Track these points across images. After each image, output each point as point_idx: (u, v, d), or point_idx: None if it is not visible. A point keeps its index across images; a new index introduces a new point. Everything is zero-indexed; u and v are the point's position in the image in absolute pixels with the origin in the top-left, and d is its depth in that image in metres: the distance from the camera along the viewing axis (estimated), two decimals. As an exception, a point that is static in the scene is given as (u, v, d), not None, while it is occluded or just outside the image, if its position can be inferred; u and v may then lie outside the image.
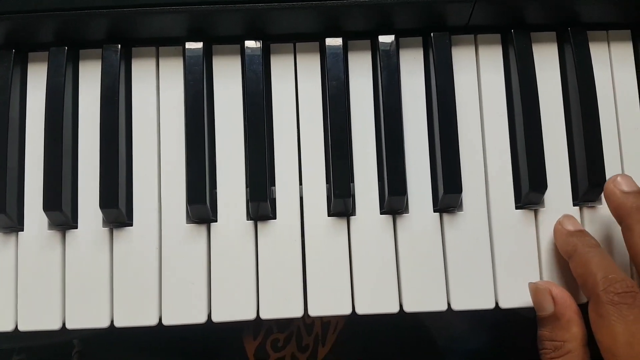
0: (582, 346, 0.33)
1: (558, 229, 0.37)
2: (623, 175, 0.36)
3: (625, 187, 0.35)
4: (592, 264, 0.34)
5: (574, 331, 0.34)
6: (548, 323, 0.35)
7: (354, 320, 0.49)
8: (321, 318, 0.50)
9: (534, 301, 0.36)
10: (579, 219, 0.38)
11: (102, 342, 0.51)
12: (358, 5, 0.37)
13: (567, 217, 0.37)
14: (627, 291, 0.32)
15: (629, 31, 0.41)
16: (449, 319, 0.50)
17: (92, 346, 0.52)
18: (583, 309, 0.35)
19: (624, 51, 0.41)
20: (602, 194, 0.38)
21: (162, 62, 0.40)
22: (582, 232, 0.36)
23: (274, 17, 0.38)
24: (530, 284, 0.37)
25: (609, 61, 0.40)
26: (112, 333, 0.46)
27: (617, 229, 0.36)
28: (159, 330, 0.38)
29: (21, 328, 0.37)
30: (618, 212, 0.35)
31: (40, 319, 0.37)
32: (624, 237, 0.35)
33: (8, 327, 0.37)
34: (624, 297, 0.32)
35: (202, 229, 0.38)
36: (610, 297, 0.32)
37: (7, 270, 0.38)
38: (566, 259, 0.36)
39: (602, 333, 0.32)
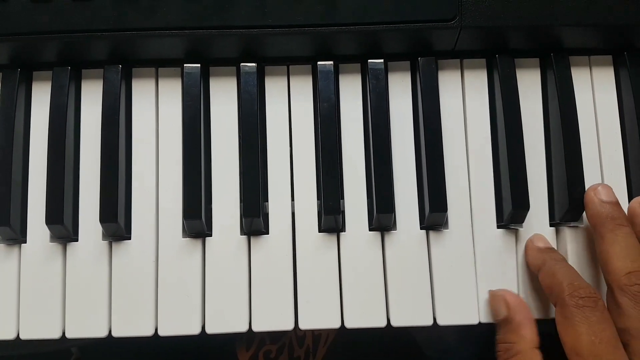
0: (531, 348, 0.35)
1: (529, 246, 0.39)
2: (604, 185, 0.38)
3: (603, 197, 0.37)
4: (559, 273, 0.36)
5: (523, 333, 0.36)
6: (502, 327, 0.37)
7: (344, 333, 0.51)
8: (312, 331, 0.52)
9: (490, 307, 0.39)
10: (554, 239, 0.40)
11: (99, 350, 0.53)
12: (348, 31, 0.39)
13: (538, 236, 0.39)
14: (590, 296, 0.34)
15: (610, 56, 0.42)
16: (437, 332, 0.52)
17: (90, 354, 0.53)
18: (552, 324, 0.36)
19: (605, 76, 0.42)
20: (584, 213, 0.39)
21: (161, 82, 0.41)
22: (550, 249, 0.39)
23: (268, 41, 0.40)
24: (489, 291, 0.39)
25: (590, 85, 0.42)
26: (109, 342, 0.47)
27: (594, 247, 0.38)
28: (155, 340, 0.40)
29: (22, 336, 0.39)
30: (593, 220, 0.37)
31: (41, 328, 0.39)
32: (595, 244, 0.37)
33: (10, 336, 0.39)
34: (587, 301, 0.34)
35: (198, 243, 0.39)
36: (575, 301, 0.34)
37: (10, 280, 0.39)
38: (535, 273, 0.38)
39: (567, 333, 0.34)
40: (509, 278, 0.39)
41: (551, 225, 0.40)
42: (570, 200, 0.39)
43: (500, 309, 0.37)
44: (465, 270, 0.39)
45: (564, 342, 0.34)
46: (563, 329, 0.34)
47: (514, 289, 0.39)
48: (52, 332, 0.39)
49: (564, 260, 0.38)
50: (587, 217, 0.38)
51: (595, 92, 0.42)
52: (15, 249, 0.40)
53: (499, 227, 0.40)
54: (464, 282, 0.39)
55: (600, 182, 0.40)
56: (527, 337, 0.36)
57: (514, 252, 0.39)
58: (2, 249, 0.39)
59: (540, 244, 0.39)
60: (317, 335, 0.51)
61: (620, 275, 0.34)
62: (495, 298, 0.38)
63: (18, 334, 0.39)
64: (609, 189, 0.38)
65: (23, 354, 0.52)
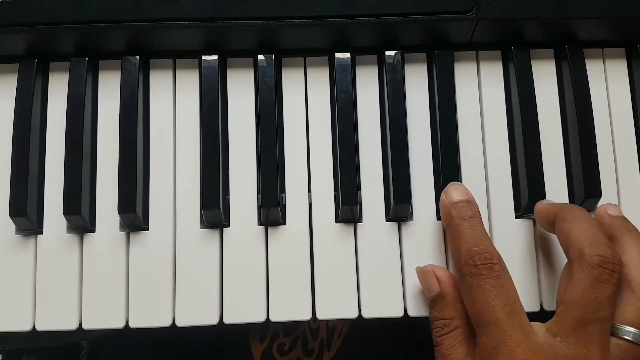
0: (469, 322, 0.35)
1: (441, 199, 0.38)
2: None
3: (456, 197, 0.37)
4: (461, 237, 0.35)
5: (460, 308, 0.35)
6: (437, 303, 0.36)
7: (358, 325, 0.51)
8: (327, 323, 0.52)
9: (421, 284, 0.38)
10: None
11: (111, 344, 0.52)
12: (366, 22, 0.39)
13: (454, 186, 0.38)
14: (485, 262, 0.33)
15: (623, 49, 0.43)
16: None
17: (101, 348, 0.53)
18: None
19: (618, 68, 0.43)
20: (597, 203, 0.39)
21: (179, 74, 0.41)
22: (460, 204, 0.37)
23: (285, 33, 0.40)
24: (416, 268, 0.38)
25: (604, 77, 0.42)
26: (121, 335, 0.47)
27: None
28: (168, 333, 0.40)
29: (39, 328, 0.39)
30: (553, 212, 0.36)
31: (57, 319, 0.39)
32: (556, 230, 0.36)
33: (26, 327, 0.39)
34: (481, 269, 0.33)
35: (215, 233, 0.39)
36: (470, 269, 0.33)
37: (26, 271, 0.39)
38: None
39: (466, 303, 0.34)
40: (529, 267, 0.39)
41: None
42: (585, 190, 0.39)
43: (432, 285, 0.36)
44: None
45: (468, 311, 0.34)
46: (464, 298, 0.34)
47: (534, 279, 0.39)
48: (68, 324, 0.39)
49: (474, 217, 0.36)
50: (541, 211, 0.37)
51: (609, 83, 0.42)
52: (31, 240, 0.39)
53: (517, 217, 0.40)
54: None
55: (614, 171, 0.41)
56: (464, 312, 0.35)
57: (532, 241, 0.39)
58: (18, 240, 0.39)
59: (455, 197, 0.37)
60: (331, 327, 0.51)
61: (583, 244, 0.33)
62: (424, 274, 0.37)
63: (34, 326, 0.39)
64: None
65: (35, 348, 0.52)
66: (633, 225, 0.37)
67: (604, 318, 0.32)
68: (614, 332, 0.33)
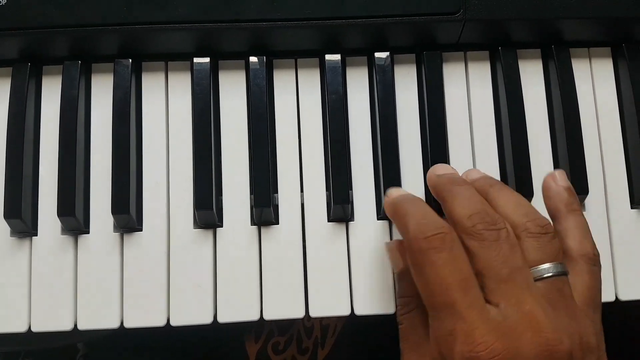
0: None
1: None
2: (440, 164, 0.38)
3: (440, 171, 0.37)
4: (408, 213, 0.33)
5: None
6: (400, 279, 0.36)
7: (352, 323, 0.51)
8: (320, 322, 0.52)
9: (389, 258, 0.37)
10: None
11: (106, 346, 0.53)
12: (355, 24, 0.39)
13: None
14: (435, 233, 0.31)
15: (609, 48, 0.43)
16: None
17: (96, 350, 0.53)
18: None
19: (604, 67, 0.43)
20: (584, 199, 0.40)
21: (171, 76, 0.42)
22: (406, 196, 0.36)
23: (276, 35, 0.40)
24: (385, 243, 0.38)
25: (590, 76, 0.43)
26: (116, 337, 0.48)
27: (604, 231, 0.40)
28: (163, 334, 0.40)
29: (34, 329, 0.39)
30: (435, 191, 0.36)
31: (52, 320, 0.39)
32: (443, 211, 0.35)
33: (22, 328, 0.39)
34: (432, 241, 0.31)
35: (209, 233, 0.40)
36: (419, 244, 0.31)
37: (21, 273, 0.39)
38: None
39: (418, 284, 0.32)
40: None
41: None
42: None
43: (396, 259, 0.36)
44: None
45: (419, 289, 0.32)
46: (414, 277, 0.32)
47: None
48: (64, 324, 0.39)
49: (418, 199, 0.35)
50: (431, 192, 0.37)
51: (595, 82, 0.43)
52: (26, 242, 0.40)
53: (505, 213, 0.40)
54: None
55: (601, 168, 0.41)
56: None
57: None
58: (13, 242, 0.40)
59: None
60: (325, 325, 0.52)
61: (463, 220, 0.32)
62: (390, 249, 0.37)
63: (30, 327, 0.39)
64: (445, 166, 0.38)
65: (31, 350, 0.52)
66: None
67: (519, 267, 0.32)
68: (534, 277, 0.32)
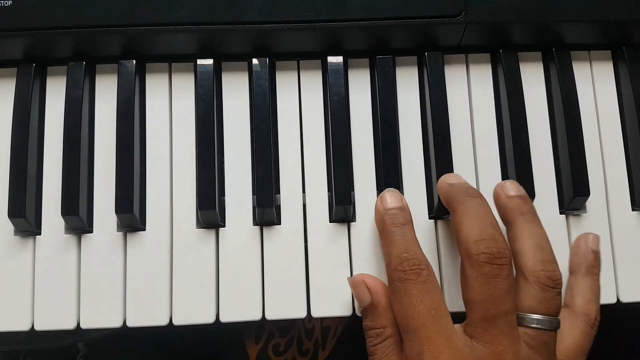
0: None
1: (376, 205, 0.38)
2: (452, 174, 0.39)
3: (451, 180, 0.37)
4: (392, 243, 0.35)
5: (391, 317, 0.35)
6: (369, 313, 0.36)
7: (353, 325, 0.51)
8: (321, 323, 0.52)
9: (354, 294, 0.38)
10: (564, 227, 0.41)
11: (107, 345, 0.53)
12: (358, 26, 0.40)
13: (390, 192, 0.38)
14: (413, 268, 0.34)
15: (609, 51, 0.44)
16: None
17: (97, 350, 0.53)
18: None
19: (604, 70, 0.44)
20: (585, 202, 0.40)
21: (175, 77, 0.42)
22: (393, 211, 0.37)
23: (279, 37, 0.41)
24: (348, 278, 0.38)
25: (591, 79, 0.43)
26: (117, 337, 0.48)
27: (605, 233, 0.40)
28: (163, 335, 0.40)
29: (37, 327, 0.39)
30: (446, 200, 0.37)
31: (55, 319, 0.39)
32: (451, 221, 0.37)
33: (25, 327, 0.39)
34: (409, 274, 0.34)
35: (211, 233, 0.40)
36: (398, 275, 0.34)
37: (25, 272, 0.39)
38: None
39: (395, 308, 0.34)
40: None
41: (561, 212, 0.41)
42: (574, 189, 0.40)
43: (363, 294, 0.36)
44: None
45: (397, 320, 0.34)
46: (392, 303, 0.34)
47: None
48: (66, 323, 0.39)
49: (406, 224, 0.36)
50: (442, 200, 0.38)
51: (596, 85, 0.43)
52: (30, 241, 0.40)
53: (506, 214, 0.41)
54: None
55: (602, 171, 0.42)
56: (395, 320, 0.35)
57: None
58: (17, 241, 0.40)
59: (389, 204, 0.37)
60: (325, 327, 0.52)
61: (469, 243, 0.33)
62: (355, 285, 0.37)
63: (32, 325, 0.39)
64: (456, 175, 0.38)
65: (31, 349, 0.52)
66: (528, 206, 0.36)
67: (507, 311, 0.32)
68: (519, 322, 0.33)
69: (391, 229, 0.36)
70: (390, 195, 0.38)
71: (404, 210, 0.37)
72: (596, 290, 0.38)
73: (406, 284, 0.33)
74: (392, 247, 0.35)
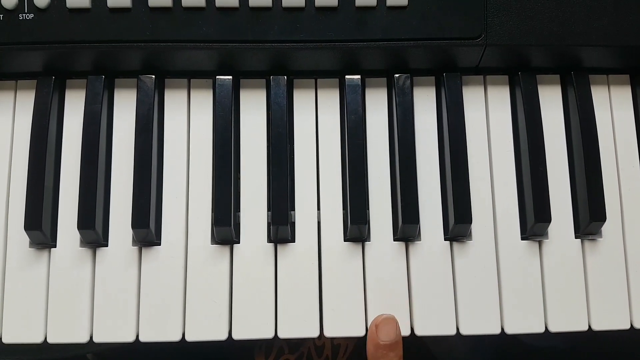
0: None
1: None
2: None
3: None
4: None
5: (401, 354, 0.37)
6: (391, 349, 0.37)
7: (364, 343, 0.51)
8: (332, 340, 0.52)
9: (385, 329, 0.38)
10: (580, 251, 0.41)
11: (116, 356, 0.53)
12: (377, 47, 0.40)
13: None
14: None
15: (627, 76, 0.44)
16: (454, 343, 0.52)
17: (106, 361, 0.53)
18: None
19: (623, 94, 0.43)
20: (601, 226, 0.40)
21: (193, 93, 0.42)
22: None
23: (297, 56, 0.41)
24: (382, 315, 0.38)
25: (609, 103, 0.43)
26: (126, 349, 0.48)
27: (620, 258, 0.40)
28: (172, 348, 0.40)
29: (50, 340, 0.39)
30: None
31: (68, 332, 0.39)
32: None
33: (38, 339, 0.39)
34: None
35: (226, 250, 0.40)
36: None
37: (39, 284, 0.40)
38: None
39: None
40: (532, 289, 0.40)
41: (576, 237, 0.41)
42: (590, 213, 0.40)
43: (394, 332, 0.37)
44: (489, 281, 0.40)
45: None
46: None
47: (539, 300, 0.40)
48: (80, 337, 0.39)
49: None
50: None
51: (614, 109, 0.43)
52: (45, 253, 0.40)
53: (523, 238, 0.40)
54: (487, 293, 0.40)
55: (618, 195, 0.41)
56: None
57: (538, 263, 0.40)
58: (32, 253, 0.40)
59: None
60: (336, 345, 0.52)
61: None
62: (390, 322, 0.38)
63: (46, 338, 0.39)
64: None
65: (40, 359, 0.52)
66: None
67: None
68: None
69: None
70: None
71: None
72: None
73: None
74: None
